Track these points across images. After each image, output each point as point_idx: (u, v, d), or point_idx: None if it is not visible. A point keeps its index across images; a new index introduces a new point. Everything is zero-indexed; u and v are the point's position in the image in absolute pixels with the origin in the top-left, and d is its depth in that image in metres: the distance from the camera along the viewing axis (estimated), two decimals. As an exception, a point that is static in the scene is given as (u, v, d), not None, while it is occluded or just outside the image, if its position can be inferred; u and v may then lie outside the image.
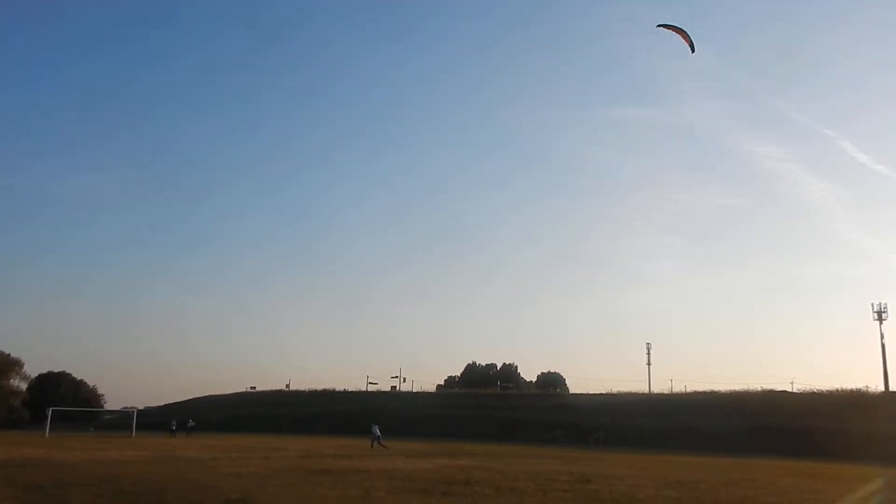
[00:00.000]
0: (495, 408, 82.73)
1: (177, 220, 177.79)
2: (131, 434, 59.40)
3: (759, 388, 72.51)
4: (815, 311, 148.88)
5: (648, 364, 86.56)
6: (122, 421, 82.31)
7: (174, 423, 62.34)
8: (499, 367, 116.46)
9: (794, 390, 72.98)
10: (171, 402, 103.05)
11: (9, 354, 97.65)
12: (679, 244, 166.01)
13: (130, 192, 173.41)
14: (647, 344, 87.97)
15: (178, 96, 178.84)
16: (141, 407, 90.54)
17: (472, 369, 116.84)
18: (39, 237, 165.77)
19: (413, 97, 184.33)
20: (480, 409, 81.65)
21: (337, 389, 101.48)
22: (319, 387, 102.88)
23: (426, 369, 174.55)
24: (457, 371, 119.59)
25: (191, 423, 63.27)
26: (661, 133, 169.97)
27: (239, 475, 18.78)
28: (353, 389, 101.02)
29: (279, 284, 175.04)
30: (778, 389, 72.24)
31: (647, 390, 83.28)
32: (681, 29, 18.41)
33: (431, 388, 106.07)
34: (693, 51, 18.52)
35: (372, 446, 38.96)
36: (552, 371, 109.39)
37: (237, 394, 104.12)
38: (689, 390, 79.81)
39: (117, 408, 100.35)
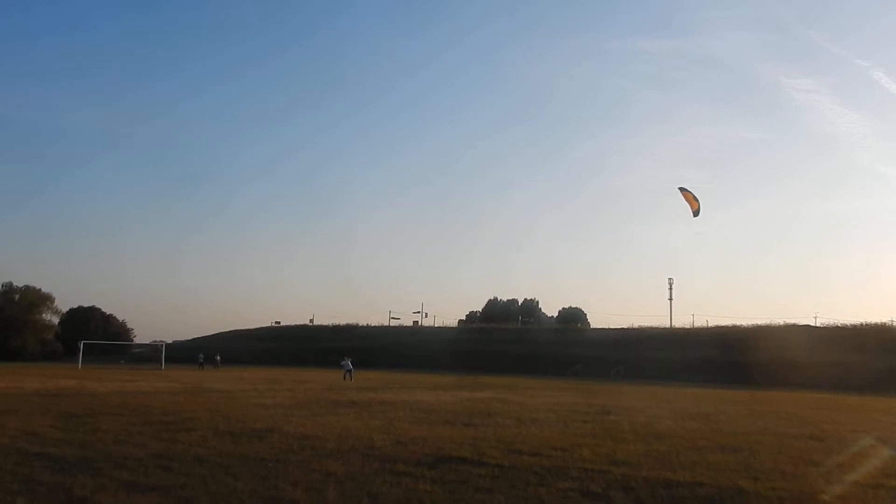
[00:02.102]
0: (516, 342, 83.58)
1: (194, 154, 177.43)
2: (160, 366, 60.81)
3: (781, 323, 72.56)
4: (841, 244, 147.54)
5: (670, 299, 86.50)
6: (151, 354, 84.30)
7: (202, 356, 63.76)
8: (520, 302, 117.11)
9: (817, 324, 72.93)
10: (199, 336, 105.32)
11: (40, 289, 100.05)
12: (703, 178, 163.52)
13: (152, 130, 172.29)
14: (669, 279, 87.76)
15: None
16: (169, 341, 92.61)
17: (493, 305, 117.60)
18: (66, 173, 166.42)
19: (420, 35, 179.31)
20: (501, 344, 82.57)
21: (360, 324, 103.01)
22: (342, 321, 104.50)
23: (448, 305, 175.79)
24: (478, 306, 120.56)
25: (217, 357, 64.64)
26: (684, 64, 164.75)
27: (265, 406, 19.18)
28: (376, 324, 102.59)
29: (301, 220, 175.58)
30: (801, 324, 72.20)
31: (668, 325, 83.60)
32: (690, 193, 18.76)
33: (453, 323, 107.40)
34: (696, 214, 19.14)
35: (344, 379, 38.84)
36: (573, 306, 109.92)
37: (262, 328, 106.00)
38: (710, 324, 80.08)
39: (146, 341, 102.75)
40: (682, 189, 18.35)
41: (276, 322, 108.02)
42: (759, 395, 34.72)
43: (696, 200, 18.39)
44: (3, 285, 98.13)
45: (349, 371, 40.33)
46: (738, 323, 75.84)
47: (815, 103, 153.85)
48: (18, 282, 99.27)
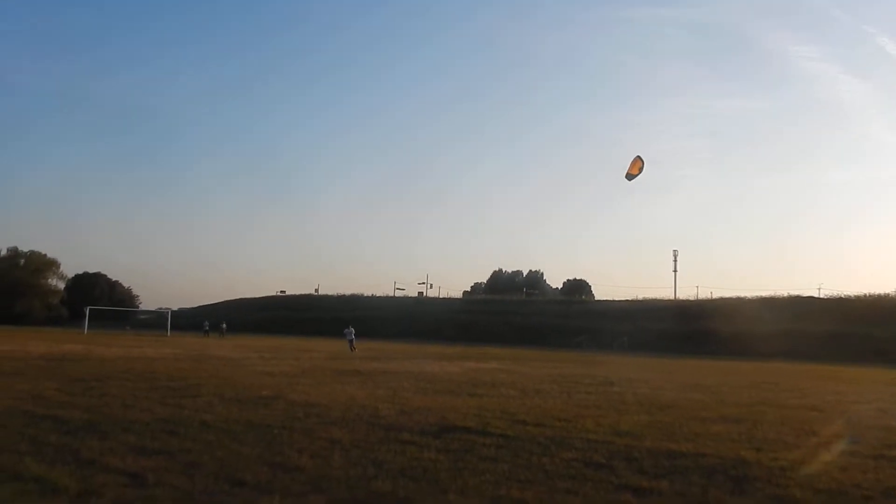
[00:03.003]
0: (520, 314, 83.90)
1: (207, 121, 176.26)
2: (166, 333, 61.25)
3: (785, 294, 72.66)
4: (847, 215, 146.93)
5: (675, 271, 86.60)
6: (156, 321, 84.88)
7: (207, 323, 64.12)
8: (525, 274, 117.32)
9: (822, 296, 73.05)
10: (204, 304, 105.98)
11: (45, 254, 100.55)
12: (708, 149, 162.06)
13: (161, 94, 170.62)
14: (674, 251, 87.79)
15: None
16: (175, 308, 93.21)
17: (498, 276, 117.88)
18: (74, 140, 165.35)
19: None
20: (506, 315, 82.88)
21: (365, 294, 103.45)
22: (348, 291, 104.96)
23: (453, 276, 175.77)
24: (483, 278, 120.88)
25: (223, 325, 65.00)
26: (690, 34, 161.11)
27: (270, 374, 19.28)
28: (382, 295, 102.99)
29: (310, 192, 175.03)
30: (805, 295, 72.28)
31: (672, 297, 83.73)
32: (640, 162, 18.45)
33: (458, 294, 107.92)
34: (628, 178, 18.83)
35: (351, 350, 37.47)
36: (578, 278, 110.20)
37: (267, 297, 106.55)
38: (714, 297, 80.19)
39: (152, 308, 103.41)
40: (639, 157, 18.19)
41: (282, 291, 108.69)
42: (762, 367, 34.84)
43: (640, 171, 18.24)
44: (7, 250, 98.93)
45: (351, 341, 39.44)
46: (742, 295, 76.03)
47: (822, 72, 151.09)
48: (24, 247, 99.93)
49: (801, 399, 16.98)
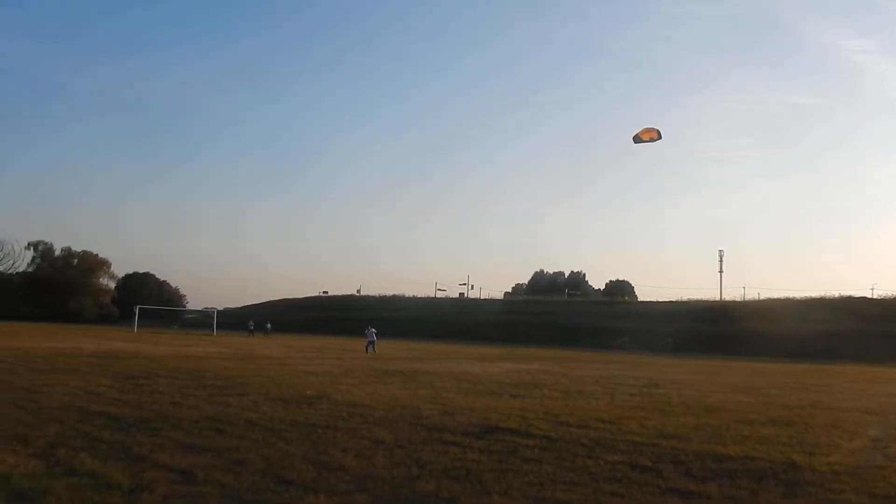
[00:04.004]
0: (562, 315, 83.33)
1: (241, 123, 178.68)
2: (212, 332, 62.31)
3: (836, 295, 70.95)
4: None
5: (720, 272, 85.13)
6: (203, 320, 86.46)
7: (252, 323, 65.11)
8: (567, 275, 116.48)
9: (874, 296, 71.14)
10: (249, 304, 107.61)
11: (97, 255, 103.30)
12: (750, 146, 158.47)
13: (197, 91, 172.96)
14: (720, 251, 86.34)
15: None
16: (221, 308, 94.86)
17: (539, 277, 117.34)
18: (121, 143, 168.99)
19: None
20: (547, 317, 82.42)
21: (406, 295, 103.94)
22: (389, 292, 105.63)
23: (494, 277, 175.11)
24: (524, 279, 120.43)
25: (268, 324, 65.90)
26: (730, 25, 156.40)
27: (314, 374, 19.48)
28: (422, 295, 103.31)
29: (352, 191, 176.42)
30: (857, 296, 70.50)
31: (718, 298, 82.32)
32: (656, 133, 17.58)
33: (499, 295, 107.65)
34: (635, 140, 17.65)
35: (367, 351, 34.49)
36: (621, 279, 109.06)
37: (310, 298, 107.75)
38: (762, 297, 78.69)
39: (198, 308, 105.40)
40: (657, 130, 17.38)
41: (324, 292, 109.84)
42: (811, 368, 34.07)
43: (651, 140, 17.42)
44: (62, 250, 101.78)
45: (372, 342, 35.48)
46: (790, 295, 74.44)
47: (872, 65, 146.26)
48: (77, 247, 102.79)
49: (853, 402, 16.53)
